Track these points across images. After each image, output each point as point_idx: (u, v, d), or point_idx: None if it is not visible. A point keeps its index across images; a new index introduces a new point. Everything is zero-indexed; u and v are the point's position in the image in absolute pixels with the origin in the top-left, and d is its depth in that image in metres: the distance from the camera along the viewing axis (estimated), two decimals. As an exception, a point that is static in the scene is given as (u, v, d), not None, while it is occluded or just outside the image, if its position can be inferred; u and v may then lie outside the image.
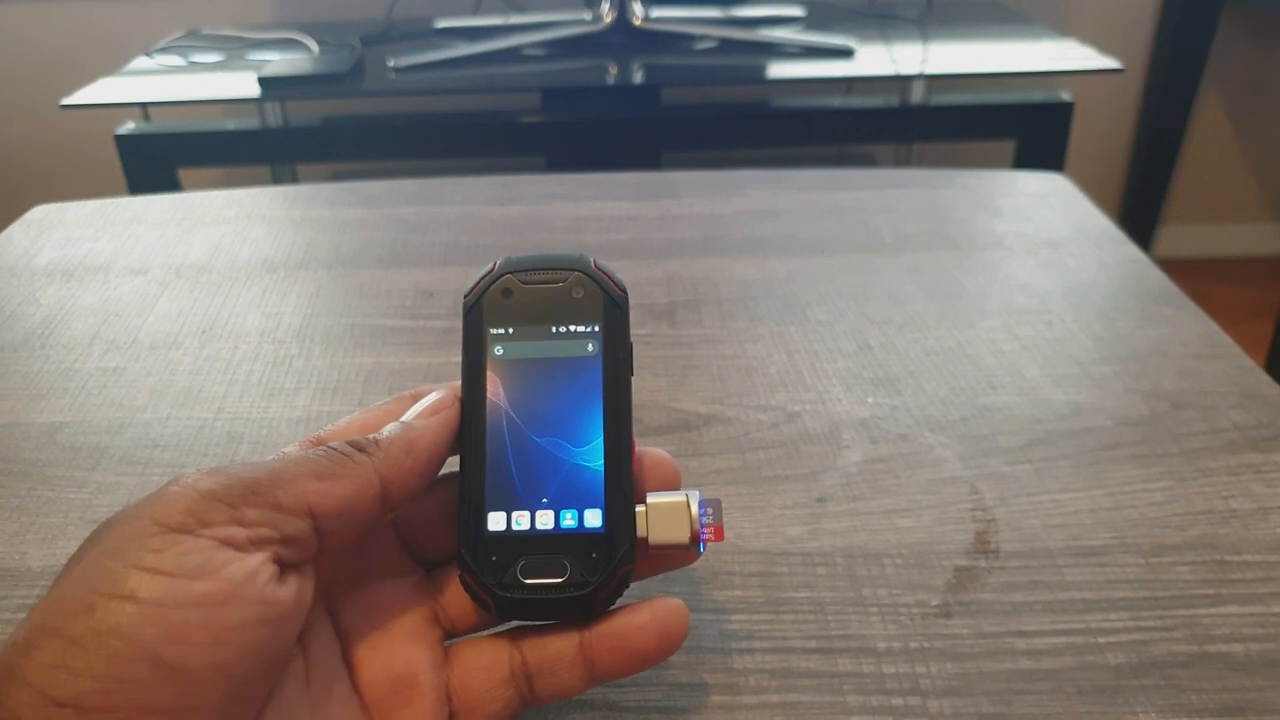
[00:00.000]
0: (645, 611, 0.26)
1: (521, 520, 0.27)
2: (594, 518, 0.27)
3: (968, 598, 0.33)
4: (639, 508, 0.27)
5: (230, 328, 0.50)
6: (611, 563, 0.26)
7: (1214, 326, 0.48)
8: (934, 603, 0.33)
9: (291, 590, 0.23)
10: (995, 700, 0.29)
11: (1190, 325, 0.48)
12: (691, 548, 0.27)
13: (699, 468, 0.39)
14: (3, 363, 0.47)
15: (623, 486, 0.27)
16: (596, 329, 0.28)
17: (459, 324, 0.50)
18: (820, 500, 0.37)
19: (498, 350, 0.28)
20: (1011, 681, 0.30)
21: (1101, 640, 0.31)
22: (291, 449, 0.26)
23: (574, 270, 0.29)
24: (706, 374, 0.45)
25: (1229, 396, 0.43)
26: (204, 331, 0.50)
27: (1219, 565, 0.34)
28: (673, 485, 0.29)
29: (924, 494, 0.37)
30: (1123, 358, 0.46)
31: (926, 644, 0.31)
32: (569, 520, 0.27)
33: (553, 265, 0.29)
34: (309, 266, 0.56)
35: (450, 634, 0.28)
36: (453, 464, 0.27)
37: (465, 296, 0.29)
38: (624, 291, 0.29)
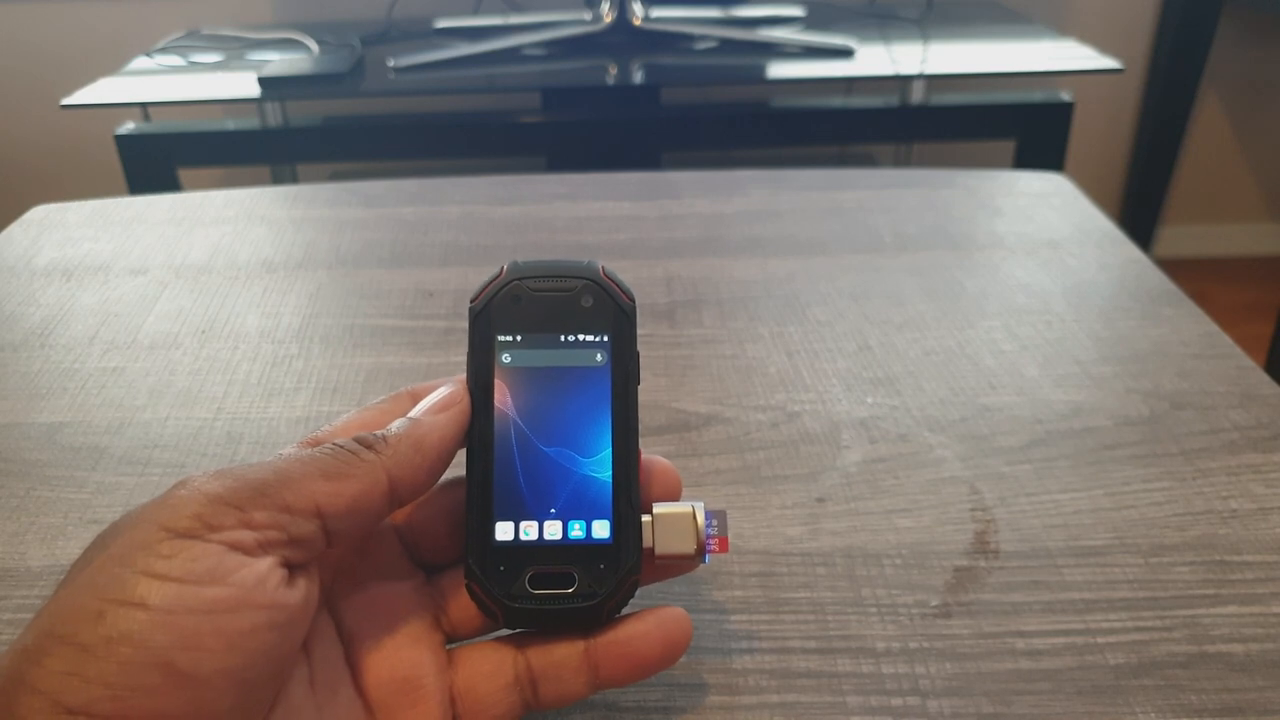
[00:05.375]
0: (650, 620, 0.26)
1: (529, 530, 0.26)
2: (602, 529, 0.27)
3: (967, 598, 0.33)
4: (645, 518, 0.27)
5: (230, 328, 0.50)
6: (619, 573, 0.26)
7: (1214, 326, 0.48)
8: (934, 603, 0.33)
9: (300, 593, 0.23)
10: (995, 700, 0.29)
11: (1190, 325, 0.48)
12: (697, 559, 0.27)
13: (699, 468, 0.39)
14: (3, 363, 0.47)
15: (630, 498, 0.27)
16: (605, 339, 0.28)
17: (459, 324, 0.50)
18: (820, 500, 0.37)
19: (506, 357, 0.28)
20: (1011, 682, 0.30)
21: (1101, 640, 0.31)
22: (289, 449, 0.25)
23: (583, 278, 0.29)
24: (706, 374, 0.45)
25: (1229, 396, 0.43)
26: (204, 331, 0.50)
27: (1219, 565, 0.34)
28: (675, 495, 0.29)
29: (924, 494, 0.37)
30: (1123, 358, 0.46)
31: (926, 644, 0.31)
32: (577, 531, 0.27)
33: (562, 272, 0.29)
34: (309, 266, 0.56)
35: (452, 638, 0.28)
36: (456, 467, 0.27)
37: (472, 301, 0.28)
38: (632, 300, 0.29)
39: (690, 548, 0.27)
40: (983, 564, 0.34)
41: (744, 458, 0.40)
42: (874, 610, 0.32)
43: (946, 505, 0.37)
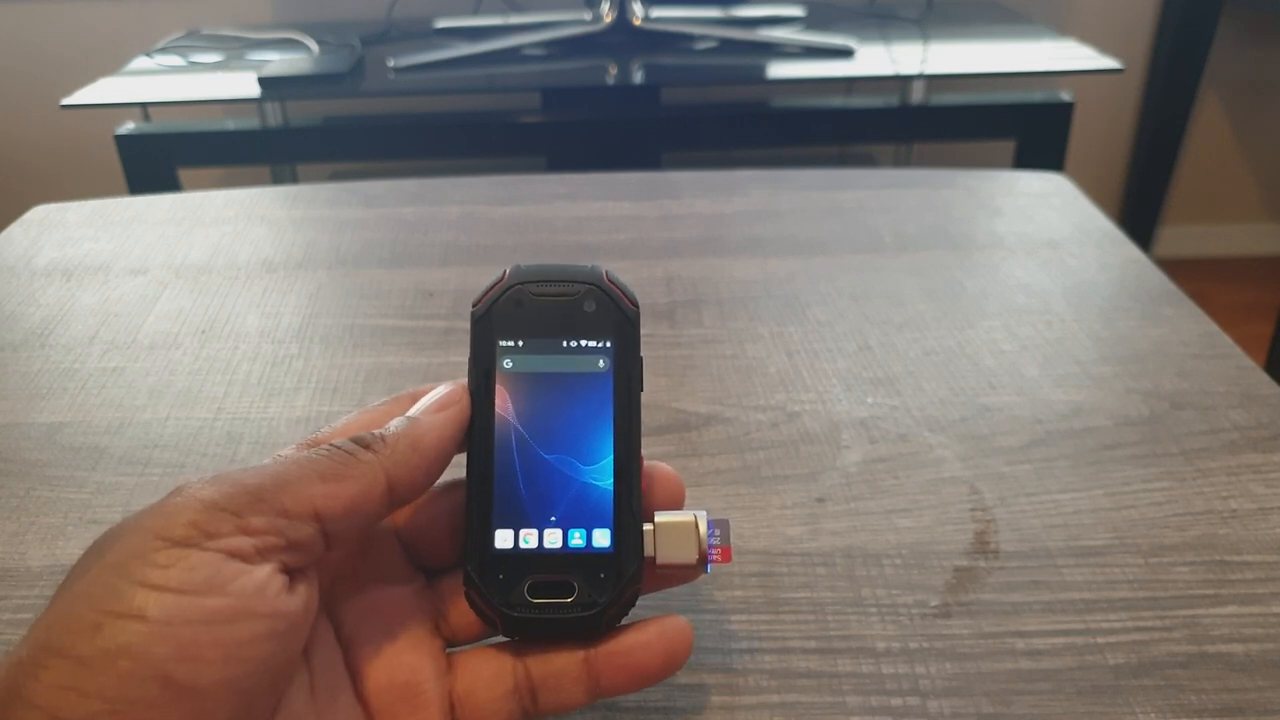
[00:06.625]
0: (652, 629, 0.26)
1: (529, 538, 0.26)
2: (602, 537, 0.26)
3: (967, 598, 0.33)
4: (647, 526, 0.27)
5: (230, 328, 0.50)
6: (620, 583, 0.26)
7: (1214, 326, 0.48)
8: (933, 603, 0.33)
9: (300, 600, 0.22)
10: (995, 700, 0.29)
11: (1190, 325, 0.48)
12: (699, 568, 0.27)
13: (699, 468, 0.39)
14: (3, 363, 0.47)
15: (632, 506, 0.27)
16: (608, 344, 0.28)
17: (459, 324, 0.50)
18: (820, 500, 0.37)
19: (507, 363, 0.28)
20: (1011, 682, 0.30)
21: (1101, 640, 0.31)
22: (288, 450, 0.25)
23: (586, 283, 0.28)
24: (706, 374, 0.45)
25: (1229, 396, 0.43)
26: (204, 331, 0.50)
27: (1219, 565, 0.34)
28: (678, 502, 0.28)
29: (924, 494, 0.37)
30: (1123, 358, 0.46)
31: (926, 644, 0.31)
32: (577, 539, 0.26)
33: (565, 277, 0.28)
34: (309, 266, 0.56)
35: (452, 642, 0.28)
36: (456, 468, 0.27)
37: (474, 306, 0.28)
38: (636, 306, 0.28)
39: (692, 557, 0.27)
40: (983, 564, 0.34)
41: (744, 458, 0.40)
42: (874, 610, 0.32)
43: (946, 505, 0.37)
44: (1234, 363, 0.45)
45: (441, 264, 0.56)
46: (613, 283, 0.28)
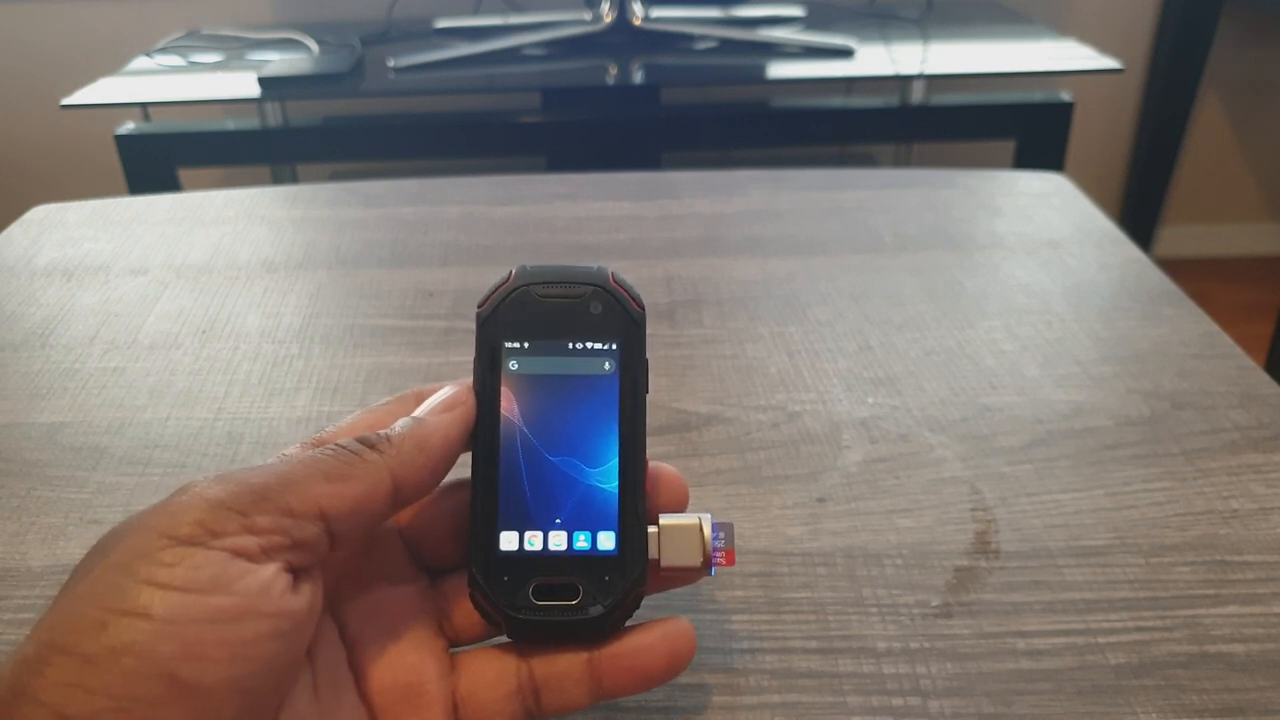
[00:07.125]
0: (655, 632, 0.26)
1: (534, 541, 0.26)
2: (607, 540, 0.26)
3: (968, 598, 0.33)
4: (651, 529, 0.27)
5: (230, 328, 0.50)
6: (624, 585, 0.26)
7: (1214, 326, 0.48)
8: (934, 603, 0.33)
9: (305, 599, 0.22)
10: (995, 700, 0.29)
11: (1190, 325, 0.48)
12: (703, 571, 0.27)
13: (699, 468, 0.39)
14: (3, 363, 0.47)
15: (637, 509, 0.27)
16: (614, 347, 0.28)
17: (459, 324, 0.50)
18: (820, 500, 0.37)
19: (512, 364, 0.27)
20: (1012, 682, 0.30)
21: (1102, 640, 0.31)
22: (293, 450, 0.25)
23: (592, 285, 0.28)
24: (706, 374, 0.45)
25: (1229, 396, 0.43)
26: (204, 331, 0.50)
27: (1219, 565, 0.34)
28: (682, 505, 0.28)
29: (924, 494, 0.37)
30: (1123, 358, 0.46)
31: (927, 644, 0.31)
32: (582, 542, 0.26)
33: (571, 279, 0.28)
34: (309, 266, 0.56)
35: (455, 643, 0.28)
36: (460, 468, 0.27)
37: (479, 306, 0.28)
38: (642, 309, 0.28)
39: (696, 560, 0.27)
40: (983, 564, 0.34)
41: (744, 458, 0.40)
42: (875, 610, 0.32)
43: (947, 505, 0.37)
44: (1234, 363, 0.45)
45: (441, 264, 0.56)
46: (619, 284, 0.28)
